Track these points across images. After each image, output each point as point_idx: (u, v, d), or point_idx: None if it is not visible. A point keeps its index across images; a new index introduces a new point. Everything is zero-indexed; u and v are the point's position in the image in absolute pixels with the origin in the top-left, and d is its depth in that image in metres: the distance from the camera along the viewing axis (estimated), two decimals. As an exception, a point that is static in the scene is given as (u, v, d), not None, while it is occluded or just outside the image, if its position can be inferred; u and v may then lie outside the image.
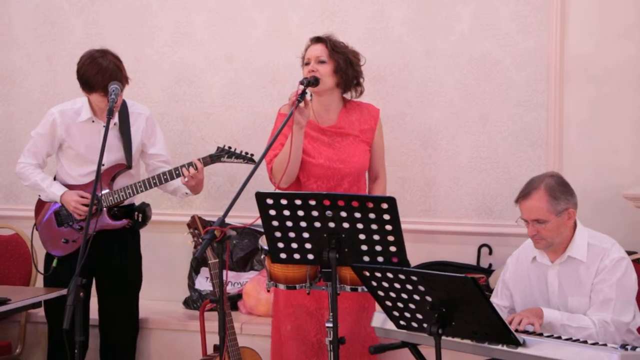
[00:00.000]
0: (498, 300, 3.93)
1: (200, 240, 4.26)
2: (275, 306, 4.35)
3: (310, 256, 3.47)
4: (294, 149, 4.03)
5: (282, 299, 4.27)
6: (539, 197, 3.69)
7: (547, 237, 3.71)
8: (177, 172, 4.50)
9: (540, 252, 3.83)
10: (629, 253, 4.06)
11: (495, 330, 3.26)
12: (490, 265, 4.87)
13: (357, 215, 3.33)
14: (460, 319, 3.22)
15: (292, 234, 3.44)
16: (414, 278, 3.19)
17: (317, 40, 4.25)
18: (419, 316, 3.30)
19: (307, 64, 4.20)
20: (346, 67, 4.20)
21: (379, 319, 3.75)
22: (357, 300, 4.08)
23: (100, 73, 4.42)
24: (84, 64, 4.49)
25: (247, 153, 4.51)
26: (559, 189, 3.71)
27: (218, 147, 4.54)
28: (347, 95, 4.32)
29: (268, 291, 3.95)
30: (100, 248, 4.45)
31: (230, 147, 4.52)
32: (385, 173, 4.40)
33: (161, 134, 4.78)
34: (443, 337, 3.22)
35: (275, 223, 3.45)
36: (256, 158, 4.47)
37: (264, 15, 5.26)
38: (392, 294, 3.30)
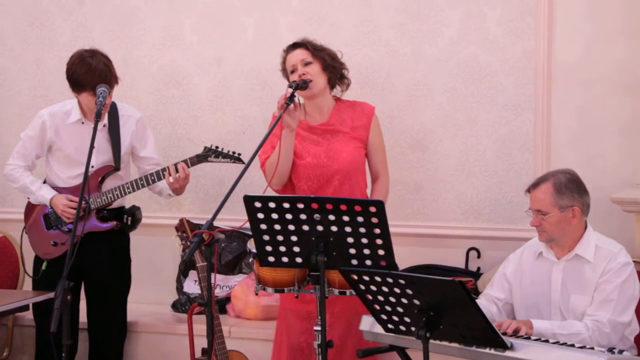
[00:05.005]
0: (493, 291, 3.93)
1: (189, 243, 4.25)
2: (279, 308, 4.35)
3: (299, 259, 3.48)
4: (284, 151, 4.03)
5: (280, 303, 4.28)
6: (545, 189, 3.76)
7: (548, 230, 3.75)
8: (164, 171, 4.50)
9: (547, 248, 3.85)
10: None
11: (483, 333, 3.27)
12: (478, 268, 4.88)
13: (346, 218, 3.33)
14: (448, 323, 3.23)
15: (280, 237, 3.45)
16: (402, 281, 3.20)
17: (294, 46, 4.24)
18: (407, 319, 3.31)
19: (293, 71, 4.19)
20: (332, 62, 4.21)
21: (367, 323, 3.75)
22: (350, 304, 4.07)
23: (89, 72, 4.41)
24: (73, 63, 4.48)
25: (234, 152, 4.51)
26: (567, 186, 3.75)
27: (205, 147, 4.54)
28: (337, 92, 4.31)
29: (256, 294, 3.94)
30: (89, 251, 4.44)
31: (217, 147, 4.52)
32: (387, 172, 4.34)
33: (152, 137, 4.77)
34: (431, 341, 3.22)
35: (263, 226, 3.45)
36: (244, 159, 4.48)
37: (253, 19, 5.27)
38: (380, 298, 3.30)
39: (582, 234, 3.80)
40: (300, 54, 4.19)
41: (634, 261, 4.27)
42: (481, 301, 3.89)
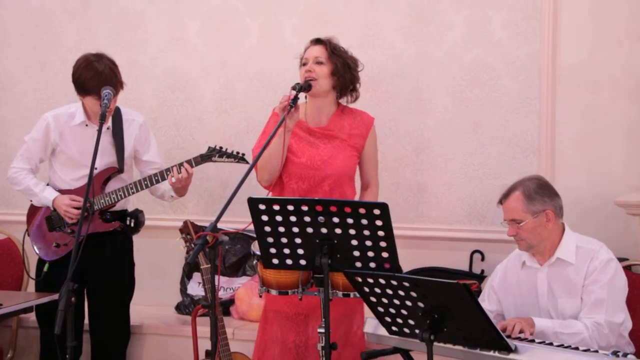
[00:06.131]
0: (485, 305, 3.95)
1: (193, 245, 4.26)
2: (263, 309, 4.34)
3: (303, 262, 3.47)
4: (279, 150, 4.03)
5: (266, 304, 4.27)
6: (515, 198, 3.81)
7: (526, 238, 3.79)
8: (167, 172, 4.51)
9: (530, 256, 3.88)
10: (621, 260, 4.08)
11: (487, 336, 3.27)
12: (482, 271, 4.87)
13: (350, 221, 3.33)
14: (452, 325, 3.23)
15: (284, 240, 3.45)
16: (406, 284, 3.19)
17: (317, 41, 4.24)
18: (411, 322, 3.31)
19: (305, 64, 4.20)
20: (344, 70, 4.19)
21: (371, 325, 3.75)
22: (342, 308, 4.07)
23: (95, 77, 4.42)
24: (79, 67, 4.49)
25: (238, 152, 4.51)
26: (536, 191, 3.80)
27: (209, 147, 4.55)
28: (343, 101, 4.32)
29: (260, 296, 3.95)
30: (92, 253, 4.44)
31: (221, 147, 4.53)
32: (377, 182, 4.37)
33: (154, 141, 4.78)
34: (435, 343, 3.22)
35: (267, 228, 3.45)
36: (247, 159, 4.48)
37: (258, 22, 5.27)
38: (384, 300, 3.30)
39: (561, 237, 3.83)
40: (317, 51, 4.20)
41: (637, 264, 4.29)
42: None
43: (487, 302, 3.98)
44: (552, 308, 3.80)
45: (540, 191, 3.81)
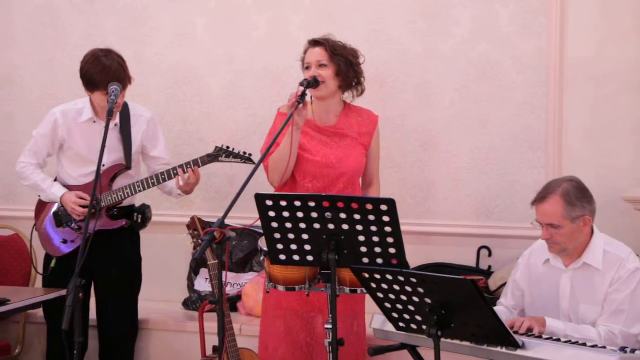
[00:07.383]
0: (507, 301, 3.92)
1: (200, 241, 4.25)
2: (264, 307, 4.34)
3: (310, 258, 3.47)
4: (289, 148, 4.03)
5: (272, 301, 4.26)
6: (554, 202, 3.67)
7: (561, 242, 3.69)
8: (174, 171, 4.51)
9: (554, 256, 3.79)
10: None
11: (495, 332, 3.26)
12: (489, 267, 4.87)
13: (357, 217, 3.33)
14: (459, 321, 3.22)
15: (291, 236, 3.45)
16: (413, 280, 3.19)
17: (315, 43, 4.22)
18: (418, 318, 3.31)
19: (308, 68, 4.19)
20: (347, 69, 4.18)
21: (379, 321, 3.75)
22: (348, 304, 4.07)
23: (103, 72, 4.42)
24: (87, 62, 4.49)
25: (245, 153, 4.51)
26: (576, 195, 3.67)
27: (216, 147, 4.55)
28: (349, 96, 4.31)
29: (267, 292, 3.94)
30: (100, 249, 4.44)
31: (228, 147, 4.53)
32: (379, 180, 4.37)
33: (163, 137, 4.78)
34: (442, 339, 3.21)
35: (274, 224, 3.45)
36: (255, 159, 4.48)
37: (264, 18, 5.27)
38: (392, 296, 3.30)
39: (589, 239, 3.74)
40: (317, 54, 4.18)
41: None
42: (500, 308, 3.88)
43: (509, 298, 3.91)
44: (572, 313, 3.73)
45: (579, 195, 3.67)
